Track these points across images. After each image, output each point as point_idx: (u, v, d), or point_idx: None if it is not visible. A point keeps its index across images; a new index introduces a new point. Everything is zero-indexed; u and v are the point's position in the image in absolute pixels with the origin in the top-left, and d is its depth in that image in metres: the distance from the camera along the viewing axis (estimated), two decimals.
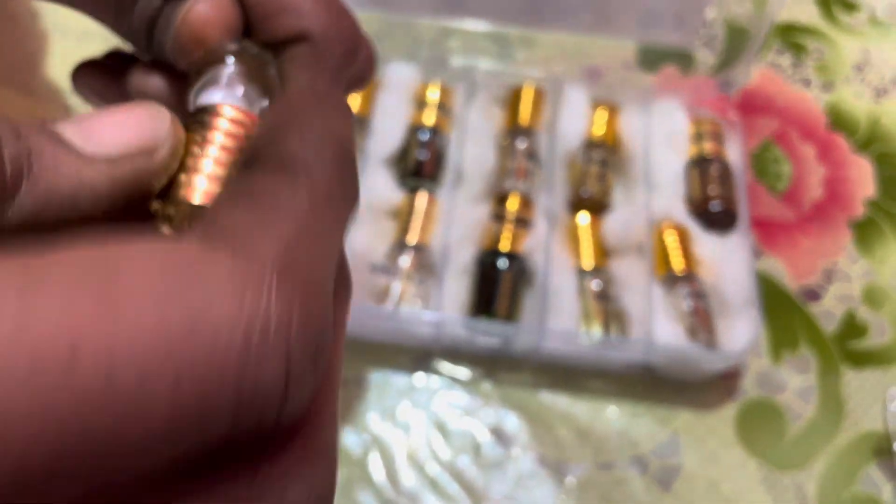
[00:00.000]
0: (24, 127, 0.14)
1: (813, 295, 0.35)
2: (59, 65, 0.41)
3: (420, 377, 0.33)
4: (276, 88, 0.18)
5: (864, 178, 0.39)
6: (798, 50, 0.43)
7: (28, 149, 0.14)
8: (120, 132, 0.15)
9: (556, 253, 0.33)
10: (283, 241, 0.12)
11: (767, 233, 0.37)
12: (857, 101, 0.41)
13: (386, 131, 0.36)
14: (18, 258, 0.10)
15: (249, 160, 0.15)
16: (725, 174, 0.35)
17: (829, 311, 0.35)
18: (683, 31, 0.37)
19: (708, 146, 0.36)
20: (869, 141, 0.40)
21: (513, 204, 0.33)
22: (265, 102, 0.17)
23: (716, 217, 0.34)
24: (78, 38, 0.41)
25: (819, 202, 0.38)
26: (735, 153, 0.37)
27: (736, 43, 0.41)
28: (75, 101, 0.39)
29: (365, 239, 0.33)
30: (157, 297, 0.10)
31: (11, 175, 0.13)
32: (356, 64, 0.20)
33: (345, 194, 0.14)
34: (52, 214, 0.14)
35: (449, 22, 0.38)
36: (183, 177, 0.15)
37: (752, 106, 0.41)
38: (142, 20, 0.18)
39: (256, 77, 0.17)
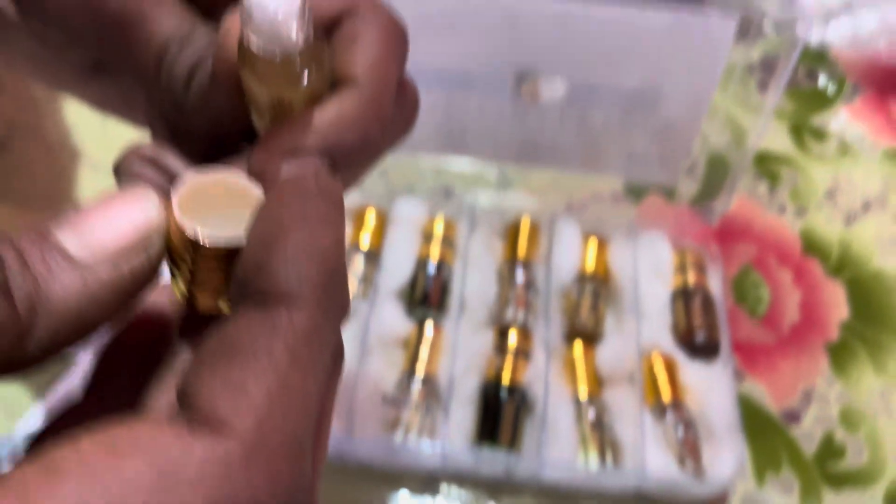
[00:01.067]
0: (24, 246, 0.15)
1: (793, 417, 0.38)
2: (87, 195, 0.44)
3: (426, 501, 0.35)
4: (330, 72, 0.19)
5: (837, 302, 0.42)
6: (773, 178, 0.47)
7: (34, 279, 0.15)
8: (114, 227, 0.16)
9: (553, 382, 0.36)
10: (257, 411, 0.13)
11: (748, 356, 0.40)
12: (828, 226, 0.45)
13: (395, 265, 0.39)
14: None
15: (239, 285, 0.16)
16: (708, 304, 0.38)
17: (808, 433, 0.37)
18: (667, 170, 0.40)
19: (691, 277, 0.39)
20: (841, 265, 0.43)
21: (513, 337, 0.36)
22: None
23: (700, 347, 0.37)
24: (106, 171, 0.45)
25: (796, 326, 0.41)
26: (716, 281, 0.40)
27: (716, 172, 0.44)
28: None
29: (376, 369, 0.36)
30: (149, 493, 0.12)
31: (25, 315, 0.14)
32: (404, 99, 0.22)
33: (331, 308, 0.15)
34: (65, 335, 0.15)
35: (451, 159, 0.42)
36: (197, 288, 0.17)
37: (731, 233, 0.44)
38: (183, 69, 0.20)
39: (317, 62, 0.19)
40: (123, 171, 0.22)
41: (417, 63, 0.37)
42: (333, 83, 0.20)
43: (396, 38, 0.21)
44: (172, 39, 0.20)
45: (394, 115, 0.22)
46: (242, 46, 0.18)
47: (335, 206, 0.17)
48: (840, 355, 0.40)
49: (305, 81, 0.18)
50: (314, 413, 0.14)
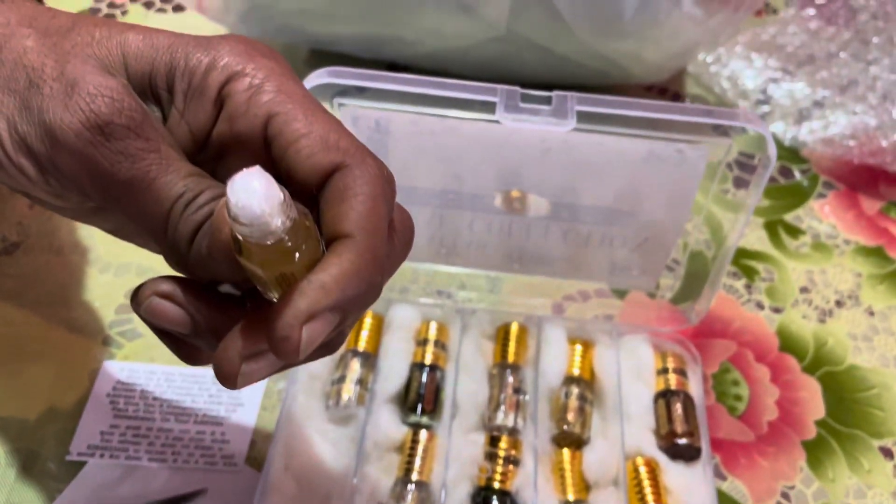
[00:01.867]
0: None
1: None
2: (100, 297, 0.46)
3: None
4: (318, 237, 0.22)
5: (814, 399, 0.44)
6: (750, 274, 0.49)
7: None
8: None
9: (542, 488, 0.37)
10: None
11: (729, 454, 0.41)
12: (804, 323, 0.47)
13: (391, 369, 0.41)
14: None
15: None
16: (689, 408, 0.40)
17: None
18: (647, 278, 0.43)
19: (672, 380, 0.41)
20: (816, 362, 0.45)
21: (504, 444, 0.38)
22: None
23: (682, 451, 0.39)
24: (116, 272, 0.47)
25: (774, 423, 0.43)
26: (696, 382, 0.42)
27: (696, 270, 0.47)
28: (114, 332, 0.44)
29: (372, 475, 0.37)
30: None
31: None
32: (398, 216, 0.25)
33: None
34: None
35: (444, 267, 0.44)
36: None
37: (710, 329, 0.46)
38: (184, 234, 0.22)
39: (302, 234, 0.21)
40: (141, 305, 0.23)
41: (412, 184, 0.39)
42: (329, 238, 0.22)
43: (384, 187, 0.23)
44: (178, 201, 0.22)
45: (390, 249, 0.24)
46: (235, 237, 0.20)
47: None
48: (817, 453, 0.42)
49: (298, 255, 0.21)
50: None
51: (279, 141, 0.23)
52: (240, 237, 0.20)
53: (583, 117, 0.34)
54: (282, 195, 0.19)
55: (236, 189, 0.19)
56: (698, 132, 0.36)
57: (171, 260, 0.23)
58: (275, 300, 0.22)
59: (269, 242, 0.20)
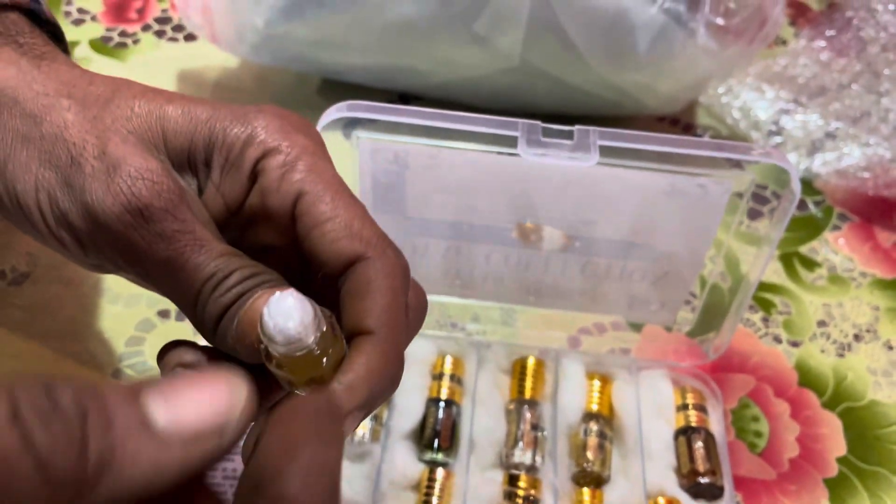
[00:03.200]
0: (112, 403, 0.16)
1: None
2: (110, 329, 0.45)
3: None
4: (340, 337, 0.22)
5: (835, 435, 0.43)
6: (767, 307, 0.49)
7: (112, 441, 0.15)
8: (199, 408, 0.17)
9: None
10: None
11: (750, 492, 0.41)
12: (823, 357, 0.46)
13: (405, 405, 0.40)
14: None
15: (252, 489, 0.18)
16: (710, 445, 0.39)
17: None
18: (665, 313, 0.42)
19: (693, 416, 0.40)
20: (836, 398, 0.44)
21: (523, 483, 0.37)
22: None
23: (704, 490, 0.38)
24: (126, 303, 0.46)
25: (795, 460, 0.42)
26: (717, 418, 0.41)
27: (714, 304, 0.46)
28: (124, 365, 0.44)
29: None
30: None
31: (93, 472, 0.15)
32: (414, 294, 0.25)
33: None
34: (124, 501, 0.16)
35: (459, 300, 0.44)
36: None
37: (728, 364, 0.46)
38: (212, 315, 0.22)
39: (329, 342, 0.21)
40: (166, 366, 0.23)
41: (428, 216, 0.39)
42: (351, 331, 0.23)
43: (402, 278, 0.24)
44: (208, 283, 0.22)
45: (413, 316, 0.24)
46: (265, 349, 0.20)
47: (338, 425, 0.20)
48: (839, 492, 0.41)
49: (326, 360, 0.21)
50: None
51: (305, 220, 0.24)
52: (272, 351, 0.20)
53: (605, 152, 0.34)
54: (313, 311, 0.20)
55: (273, 313, 0.19)
56: (716, 166, 0.36)
57: (199, 331, 0.24)
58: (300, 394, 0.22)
59: (299, 355, 0.20)
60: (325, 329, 0.20)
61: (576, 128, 0.34)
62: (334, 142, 0.36)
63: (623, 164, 0.35)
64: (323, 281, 0.24)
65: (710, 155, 0.33)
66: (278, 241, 0.25)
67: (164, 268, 0.23)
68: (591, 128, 0.34)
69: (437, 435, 0.39)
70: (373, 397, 0.22)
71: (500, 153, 0.35)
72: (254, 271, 0.23)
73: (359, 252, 0.23)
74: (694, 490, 0.38)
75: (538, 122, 0.34)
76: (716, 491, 0.38)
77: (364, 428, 0.39)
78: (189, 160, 0.25)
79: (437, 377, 0.41)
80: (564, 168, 0.36)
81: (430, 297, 0.44)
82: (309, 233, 0.24)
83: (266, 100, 0.57)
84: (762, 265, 0.38)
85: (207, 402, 0.18)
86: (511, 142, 0.34)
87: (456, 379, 0.41)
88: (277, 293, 0.20)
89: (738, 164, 0.37)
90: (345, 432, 0.21)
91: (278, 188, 0.24)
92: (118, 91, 0.25)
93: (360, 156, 0.37)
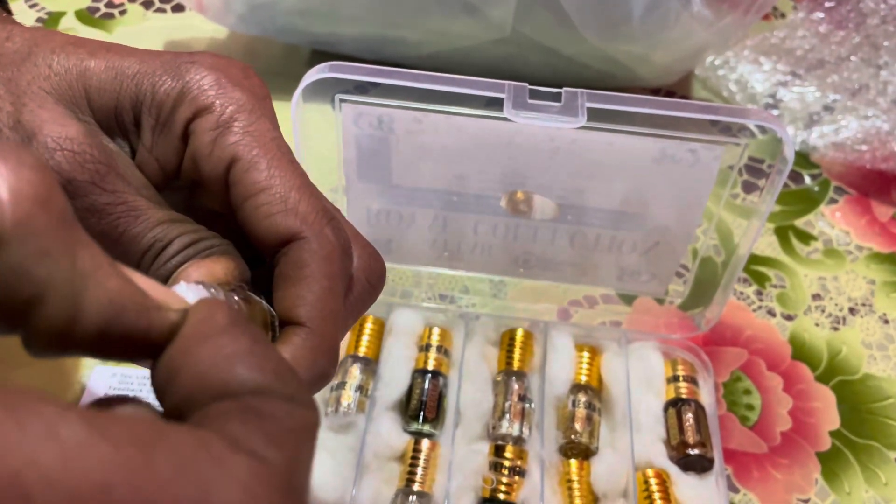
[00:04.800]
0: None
1: None
2: None
3: None
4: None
5: (828, 409, 0.42)
6: (761, 280, 0.48)
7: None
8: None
9: (549, 500, 0.36)
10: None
11: (741, 466, 0.40)
12: (817, 331, 0.45)
13: (391, 376, 0.39)
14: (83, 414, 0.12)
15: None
16: (700, 417, 0.38)
17: None
18: (656, 283, 0.42)
19: (683, 388, 0.40)
20: (830, 372, 0.44)
21: (509, 454, 0.36)
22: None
23: (693, 462, 0.37)
24: None
25: (787, 434, 0.41)
26: (708, 391, 0.40)
27: (706, 277, 0.45)
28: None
29: (372, 486, 0.36)
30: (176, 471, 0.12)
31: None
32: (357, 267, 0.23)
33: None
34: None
35: (447, 271, 0.43)
36: None
37: (720, 337, 0.45)
38: (158, 278, 0.21)
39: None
40: None
41: (416, 184, 0.38)
42: (282, 319, 0.21)
43: (341, 262, 0.22)
44: (147, 254, 0.21)
45: (346, 305, 0.23)
46: None
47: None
48: (832, 466, 0.40)
49: None
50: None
51: (238, 190, 0.22)
52: None
53: (593, 115, 0.33)
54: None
55: None
56: (709, 133, 0.35)
57: None
58: None
59: None
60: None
61: (564, 90, 0.33)
62: (316, 107, 0.35)
63: (612, 128, 0.34)
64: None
65: (700, 118, 0.32)
66: (221, 208, 0.23)
67: (100, 243, 0.21)
68: (579, 90, 0.33)
69: (423, 406, 0.38)
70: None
71: (486, 117, 0.34)
72: (196, 237, 0.21)
73: (294, 230, 0.21)
74: (683, 462, 0.37)
75: (525, 84, 0.33)
76: (706, 463, 0.37)
77: (348, 398, 0.38)
78: (117, 120, 0.22)
79: (424, 348, 0.41)
80: (553, 134, 0.35)
81: (417, 269, 0.44)
82: (242, 204, 0.22)
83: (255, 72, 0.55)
84: (754, 235, 0.37)
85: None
86: (498, 105, 0.33)
87: (443, 350, 0.41)
88: (177, 286, 0.18)
89: (729, 130, 0.36)
90: None
91: (210, 154, 0.22)
92: (37, 45, 0.22)
93: (344, 121, 0.36)
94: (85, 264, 0.15)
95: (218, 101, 0.22)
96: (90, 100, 0.22)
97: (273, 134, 0.23)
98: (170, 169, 0.23)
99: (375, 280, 0.24)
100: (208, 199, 0.24)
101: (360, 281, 0.24)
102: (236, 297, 0.20)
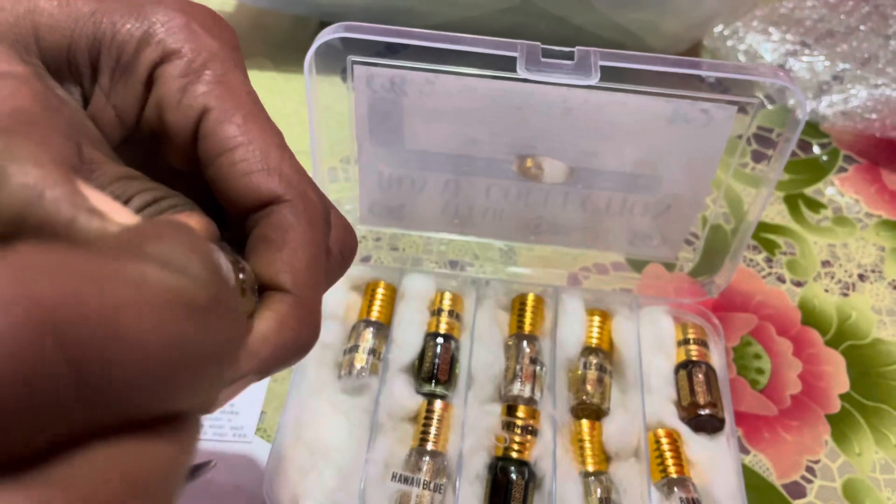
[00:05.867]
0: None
1: (798, 491, 0.38)
2: None
3: None
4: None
5: (838, 373, 0.43)
6: (770, 248, 0.48)
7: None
8: None
9: (561, 459, 0.36)
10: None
11: (752, 428, 0.40)
12: (827, 296, 0.46)
13: (404, 340, 0.40)
14: None
15: None
16: (711, 379, 0.39)
17: None
18: (667, 248, 0.42)
19: (693, 350, 0.40)
20: (840, 337, 0.44)
21: (521, 413, 0.37)
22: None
23: (704, 422, 0.37)
24: None
25: (797, 397, 0.42)
26: (718, 354, 0.40)
27: (716, 244, 0.45)
28: None
29: (386, 445, 0.36)
30: None
31: None
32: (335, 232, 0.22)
33: None
34: None
35: (458, 237, 0.43)
36: None
37: (731, 303, 0.45)
38: None
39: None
40: None
41: (427, 148, 0.38)
42: (263, 284, 0.20)
43: (324, 228, 0.21)
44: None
45: (333, 263, 0.22)
46: None
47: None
48: (842, 427, 0.40)
49: None
50: None
51: (210, 143, 0.20)
52: None
53: (606, 74, 0.33)
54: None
55: None
56: (720, 93, 0.35)
57: None
58: None
59: None
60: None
61: (576, 48, 0.33)
62: (327, 78, 0.35)
63: (625, 87, 0.34)
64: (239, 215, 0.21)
65: (713, 75, 0.32)
66: (185, 165, 0.22)
67: None
68: (592, 48, 0.33)
69: (436, 368, 0.38)
70: (277, 363, 0.19)
71: (499, 77, 0.34)
72: (158, 195, 0.19)
73: (276, 192, 0.20)
74: (694, 423, 0.38)
75: (538, 44, 0.33)
76: (716, 423, 0.37)
77: (362, 361, 0.39)
78: (70, 63, 0.20)
79: (436, 313, 0.41)
80: (565, 94, 0.35)
81: (428, 235, 0.44)
82: (214, 160, 0.20)
83: (263, 45, 0.56)
84: (763, 202, 0.37)
85: None
86: (511, 64, 0.33)
87: (455, 315, 0.41)
88: None
89: (738, 91, 0.36)
90: (233, 396, 0.19)
91: (178, 102, 0.20)
92: None
93: (356, 83, 0.36)
94: (21, 152, 0.14)
95: (188, 46, 0.20)
96: (39, 39, 0.20)
97: (248, 88, 0.21)
98: (128, 119, 0.21)
99: (348, 253, 0.23)
100: (171, 155, 0.22)
101: (333, 253, 0.22)
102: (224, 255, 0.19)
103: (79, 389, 0.10)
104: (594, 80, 0.33)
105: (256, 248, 0.20)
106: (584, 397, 0.38)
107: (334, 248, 0.22)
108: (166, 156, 0.22)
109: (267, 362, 0.19)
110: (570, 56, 0.33)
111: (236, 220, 0.21)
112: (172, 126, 0.20)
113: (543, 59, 0.33)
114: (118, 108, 0.21)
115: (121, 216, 0.15)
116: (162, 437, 0.12)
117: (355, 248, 0.23)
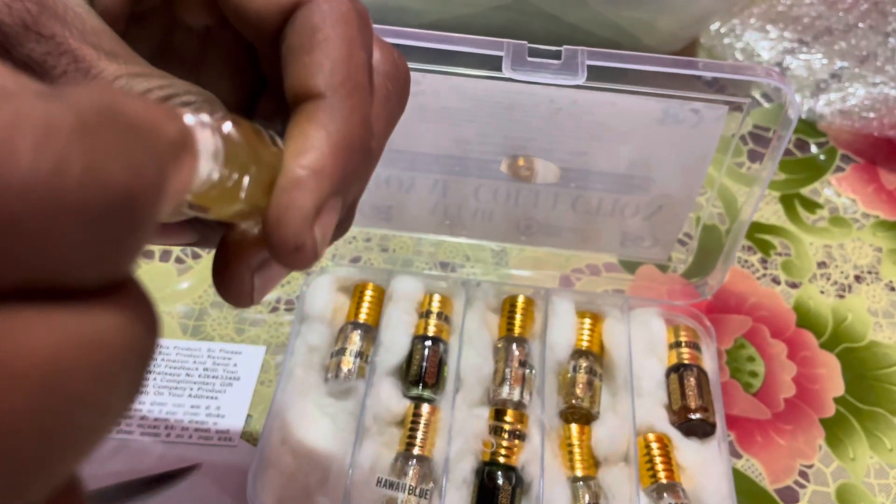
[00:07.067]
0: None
1: (792, 496, 0.38)
2: None
3: None
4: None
5: (833, 376, 0.42)
6: (765, 248, 0.47)
7: None
8: None
9: (549, 463, 0.36)
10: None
11: (744, 432, 0.40)
12: (822, 298, 0.45)
13: (391, 342, 0.39)
14: None
15: None
16: (702, 383, 0.38)
17: None
18: (659, 249, 0.41)
19: (685, 353, 0.39)
20: (835, 339, 0.43)
21: (509, 417, 0.36)
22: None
23: (695, 427, 0.37)
24: None
25: (791, 400, 0.41)
26: (710, 357, 0.40)
27: (709, 244, 0.45)
28: None
29: (372, 450, 0.36)
30: None
31: None
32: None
33: None
34: None
35: (448, 238, 0.43)
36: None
37: (724, 305, 0.45)
38: None
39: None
40: None
41: (415, 149, 0.38)
42: (298, 98, 0.18)
43: (359, 24, 0.18)
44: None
45: (375, 103, 0.19)
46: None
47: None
48: (836, 431, 0.40)
49: (246, 186, 0.16)
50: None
51: None
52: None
53: (594, 73, 0.32)
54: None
55: None
56: (711, 92, 0.34)
57: None
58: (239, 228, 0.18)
59: (200, 189, 0.14)
60: (222, 148, 0.14)
61: (564, 48, 0.33)
62: None
63: (613, 87, 0.33)
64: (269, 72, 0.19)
65: (703, 75, 0.32)
66: (201, 17, 0.20)
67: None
68: (579, 48, 0.33)
69: (423, 371, 0.38)
70: (346, 175, 0.17)
71: (484, 77, 0.34)
72: (169, 92, 0.17)
73: None
74: (685, 427, 0.37)
75: (524, 42, 0.33)
76: (707, 428, 0.37)
77: (348, 364, 0.38)
78: None
79: (425, 315, 0.40)
80: (553, 94, 0.34)
81: (418, 236, 0.44)
82: None
83: None
84: (756, 199, 0.37)
85: None
86: (496, 64, 0.33)
87: (443, 317, 0.40)
88: None
89: (732, 90, 0.35)
90: (328, 230, 0.17)
91: None
92: None
93: None
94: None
95: None
96: None
97: None
98: None
99: (401, 76, 0.20)
100: (192, 13, 0.20)
101: (381, 72, 0.20)
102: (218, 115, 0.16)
103: None
104: (581, 80, 0.32)
105: (287, 63, 0.18)
106: (574, 401, 0.37)
107: (381, 67, 0.20)
108: (182, 9, 0.20)
109: (335, 176, 0.16)
110: (557, 55, 0.33)
111: (278, 96, 0.19)
112: None
113: (530, 59, 0.32)
114: None
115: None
116: (99, 308, 0.10)
117: (407, 74, 0.21)
